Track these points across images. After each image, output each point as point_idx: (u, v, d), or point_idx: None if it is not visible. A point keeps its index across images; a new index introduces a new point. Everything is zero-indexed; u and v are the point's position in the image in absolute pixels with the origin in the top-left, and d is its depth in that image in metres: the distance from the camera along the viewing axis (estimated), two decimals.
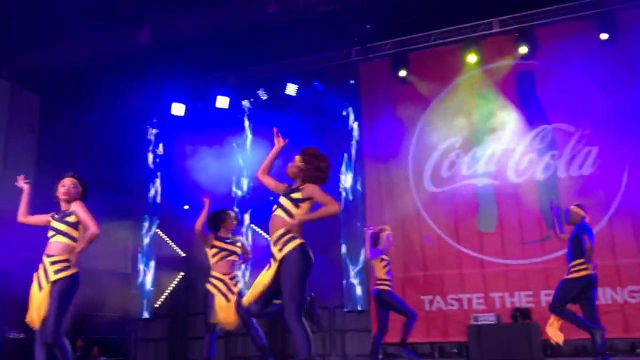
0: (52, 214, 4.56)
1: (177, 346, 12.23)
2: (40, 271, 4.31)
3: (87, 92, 11.26)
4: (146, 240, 12.53)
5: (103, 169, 11.67)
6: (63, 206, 4.53)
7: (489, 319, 8.96)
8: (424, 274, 10.24)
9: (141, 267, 12.43)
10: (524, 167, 10.05)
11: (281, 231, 3.90)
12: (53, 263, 4.29)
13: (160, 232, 12.63)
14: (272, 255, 3.95)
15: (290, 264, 3.80)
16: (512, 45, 10.30)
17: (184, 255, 12.54)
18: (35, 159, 11.85)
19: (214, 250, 6.18)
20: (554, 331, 6.46)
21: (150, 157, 12.96)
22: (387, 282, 7.38)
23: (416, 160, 10.80)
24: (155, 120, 13.01)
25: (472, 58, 10.46)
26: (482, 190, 10.24)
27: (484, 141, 10.37)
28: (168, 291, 12.46)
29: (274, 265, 3.87)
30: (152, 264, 12.41)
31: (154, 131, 13.04)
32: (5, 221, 10.87)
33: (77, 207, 4.46)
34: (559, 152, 9.86)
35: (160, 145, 12.99)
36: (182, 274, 12.48)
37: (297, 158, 4.11)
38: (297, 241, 3.87)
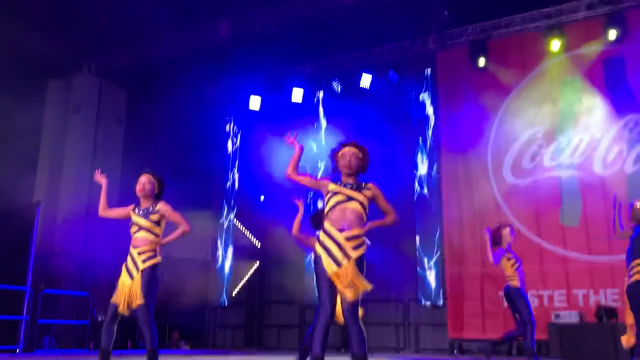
0: (132, 206, 4.77)
1: (254, 333, 12.55)
2: (129, 262, 4.58)
3: (170, 86, 11.69)
4: (224, 231, 12.91)
5: (184, 160, 12.12)
6: (142, 202, 4.75)
7: (571, 317, 8.59)
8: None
9: (220, 255, 12.83)
10: (612, 158, 9.51)
11: (359, 231, 3.80)
12: (140, 253, 4.58)
13: (237, 222, 12.97)
14: (340, 250, 3.71)
15: (361, 266, 3.76)
16: (600, 30, 9.74)
17: (259, 245, 12.83)
18: (122, 151, 12.46)
19: None
20: (628, 337, 5.95)
21: (230, 148, 13.31)
22: (516, 278, 6.72)
23: (496, 151, 10.47)
24: (233, 113, 13.34)
25: (556, 44, 9.98)
26: (566, 183, 9.78)
27: (568, 131, 9.90)
28: (244, 280, 12.79)
29: (346, 264, 3.68)
30: (230, 253, 12.77)
31: (232, 123, 13.39)
32: (95, 212, 11.55)
33: (164, 209, 4.69)
34: None
35: (238, 137, 13.30)
36: (257, 263, 12.76)
37: (356, 151, 3.97)
38: (365, 246, 3.87)
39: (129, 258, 4.62)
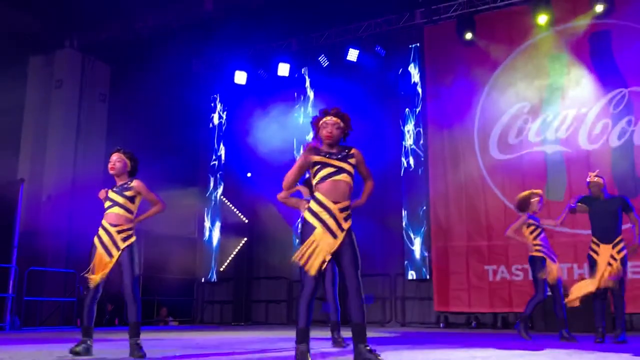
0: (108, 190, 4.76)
1: (242, 308, 12.63)
2: (106, 239, 4.55)
3: (154, 61, 11.52)
4: (211, 207, 12.89)
5: (170, 137, 12.02)
6: (117, 181, 4.76)
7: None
8: (488, 243, 10.04)
9: (207, 232, 12.83)
10: (596, 133, 9.57)
11: (348, 203, 3.81)
12: (120, 232, 4.58)
13: (224, 199, 12.95)
14: (335, 221, 3.70)
15: (352, 235, 3.79)
16: (587, 4, 9.72)
17: (246, 221, 12.83)
18: (106, 127, 12.31)
19: None
20: (578, 292, 6.01)
21: (216, 123, 13.22)
22: (538, 248, 6.43)
23: (482, 126, 10.49)
24: (219, 88, 13.22)
25: (542, 18, 9.95)
26: (551, 158, 9.85)
27: (554, 106, 9.93)
28: (232, 256, 12.81)
29: (340, 235, 3.71)
30: (217, 229, 12.77)
31: (218, 99, 13.28)
32: (80, 188, 11.44)
33: (139, 186, 4.71)
34: (635, 118, 9.31)
35: (224, 112, 13.21)
36: (245, 239, 12.78)
37: (337, 120, 3.90)
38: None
39: (103, 234, 4.58)
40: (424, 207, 10.67)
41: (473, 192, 10.36)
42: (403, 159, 10.97)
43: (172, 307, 12.41)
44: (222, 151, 13.07)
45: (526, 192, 6.78)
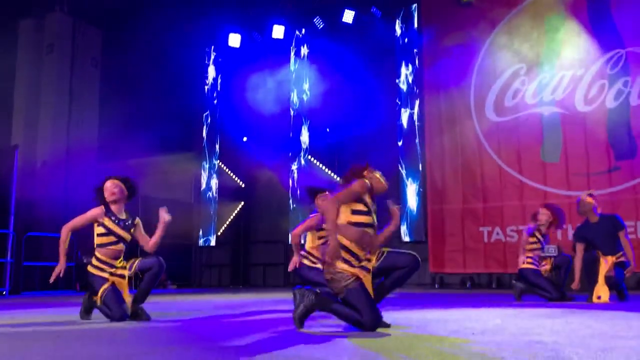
0: (102, 211, 4.50)
1: (239, 271, 12.76)
2: (118, 271, 4.49)
3: (147, 25, 11.32)
4: (208, 171, 12.89)
5: (163, 102, 11.90)
6: (113, 207, 4.51)
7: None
8: (483, 205, 10.12)
9: (203, 197, 12.85)
10: (593, 94, 9.54)
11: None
12: (121, 263, 4.53)
13: (221, 163, 12.94)
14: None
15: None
16: None
17: (243, 185, 12.85)
18: (99, 93, 12.16)
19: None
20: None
21: (210, 87, 13.10)
22: (530, 261, 6.41)
23: (478, 88, 10.44)
24: (214, 51, 13.07)
25: None
26: (547, 119, 9.84)
27: (551, 67, 9.87)
28: (229, 220, 12.88)
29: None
30: (214, 194, 12.80)
31: (212, 63, 13.14)
32: (74, 154, 11.40)
33: (141, 226, 4.65)
34: (632, 79, 9.27)
35: (219, 76, 13.09)
36: (242, 203, 12.82)
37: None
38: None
39: (107, 269, 4.44)
40: (420, 169, 10.69)
41: (469, 154, 10.38)
42: (400, 121, 10.93)
43: (170, 271, 12.50)
44: (217, 115, 13.00)
45: (534, 214, 6.69)
